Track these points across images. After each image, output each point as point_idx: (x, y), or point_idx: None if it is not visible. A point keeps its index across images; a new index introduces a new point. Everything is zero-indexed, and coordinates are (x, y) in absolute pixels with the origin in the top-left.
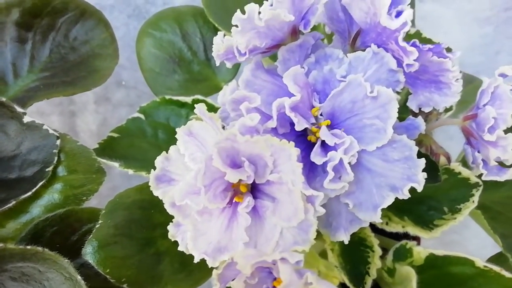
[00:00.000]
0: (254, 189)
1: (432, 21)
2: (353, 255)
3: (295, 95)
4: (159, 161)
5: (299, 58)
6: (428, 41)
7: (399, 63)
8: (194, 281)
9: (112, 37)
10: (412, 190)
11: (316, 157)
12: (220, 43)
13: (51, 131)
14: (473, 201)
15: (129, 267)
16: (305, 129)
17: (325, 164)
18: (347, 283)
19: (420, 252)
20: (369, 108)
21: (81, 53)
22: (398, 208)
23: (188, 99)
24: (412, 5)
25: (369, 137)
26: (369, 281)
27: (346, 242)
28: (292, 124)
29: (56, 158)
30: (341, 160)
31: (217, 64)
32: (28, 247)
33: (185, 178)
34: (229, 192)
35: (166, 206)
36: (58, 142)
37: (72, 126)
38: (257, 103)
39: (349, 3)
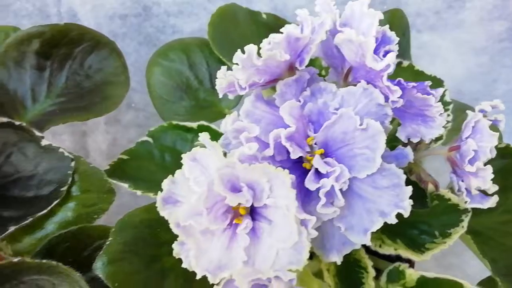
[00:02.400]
0: (253, 212)
1: (429, 50)
2: (348, 276)
3: (290, 126)
4: (165, 184)
5: (295, 92)
6: (420, 73)
7: (387, 98)
8: None
9: (124, 66)
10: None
11: (310, 183)
12: (222, 78)
13: (66, 154)
14: (463, 226)
15: (136, 282)
16: (301, 156)
17: (318, 190)
18: None
19: (412, 274)
20: (359, 139)
21: (95, 80)
22: (391, 231)
23: (193, 125)
24: (407, 36)
25: (359, 165)
26: None
27: (339, 263)
28: (288, 153)
29: (70, 179)
30: (332, 187)
31: (220, 96)
32: (44, 261)
33: (189, 200)
34: (229, 214)
35: (171, 226)
36: (72, 164)
37: (83, 145)
38: (256, 133)
39: (340, 43)
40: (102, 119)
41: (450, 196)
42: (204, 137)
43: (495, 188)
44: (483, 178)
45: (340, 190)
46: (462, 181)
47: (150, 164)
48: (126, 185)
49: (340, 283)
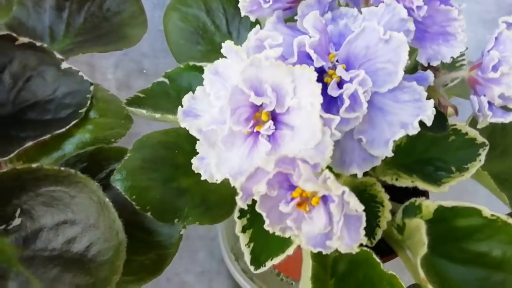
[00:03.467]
0: (275, 121)
1: None
2: (365, 210)
3: (314, 37)
4: (186, 99)
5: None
6: None
7: (409, 13)
8: (213, 217)
9: (142, 10)
10: (420, 151)
11: (333, 90)
12: None
13: (85, 78)
14: (480, 160)
15: (153, 196)
16: (322, 74)
17: (341, 96)
18: None
19: (429, 206)
20: (382, 52)
21: (113, 22)
22: (407, 168)
23: (209, 65)
24: None
25: (381, 80)
26: (379, 233)
27: (360, 176)
28: (311, 63)
29: (89, 102)
30: (356, 91)
31: (242, 14)
32: (62, 168)
33: (210, 112)
34: (251, 120)
35: (193, 132)
36: (91, 88)
37: None
38: (279, 41)
39: None
40: (114, 84)
41: (467, 130)
42: (227, 44)
43: None
44: (507, 84)
45: (365, 102)
46: (484, 95)
47: (166, 102)
48: (144, 111)
49: None
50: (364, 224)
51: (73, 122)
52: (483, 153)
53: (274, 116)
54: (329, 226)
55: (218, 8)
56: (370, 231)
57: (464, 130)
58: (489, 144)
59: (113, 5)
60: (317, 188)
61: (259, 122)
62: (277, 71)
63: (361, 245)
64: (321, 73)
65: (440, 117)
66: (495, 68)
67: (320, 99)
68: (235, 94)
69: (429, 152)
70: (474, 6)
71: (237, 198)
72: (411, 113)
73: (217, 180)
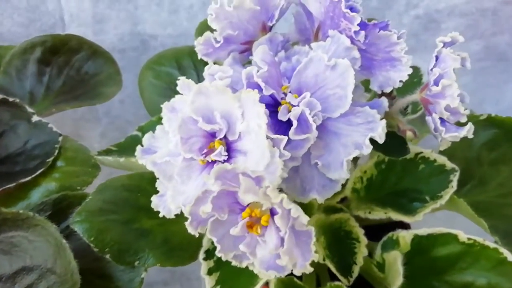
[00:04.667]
0: (229, 149)
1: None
2: (340, 247)
3: (262, 68)
4: (146, 138)
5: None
6: None
7: (353, 42)
8: (176, 259)
9: (118, 71)
10: (393, 183)
11: (282, 115)
12: (200, 38)
13: (54, 129)
14: (452, 186)
15: (113, 238)
16: (276, 105)
17: (290, 120)
18: (335, 272)
19: (405, 237)
20: (330, 79)
21: (90, 83)
22: (381, 201)
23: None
24: None
25: (333, 105)
26: (356, 270)
27: (320, 201)
28: (265, 101)
29: (56, 152)
30: (303, 113)
31: (199, 57)
32: (20, 211)
33: (167, 146)
34: (205, 149)
35: (148, 166)
36: (60, 138)
37: None
38: (229, 73)
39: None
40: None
41: (435, 157)
42: (181, 81)
43: (466, 113)
44: (451, 96)
45: (314, 123)
46: (435, 112)
47: None
48: (110, 158)
49: (332, 256)
50: (313, 239)
51: (39, 171)
52: (454, 179)
53: (228, 145)
54: (281, 246)
55: (189, 65)
56: (346, 268)
57: (432, 157)
58: (467, 173)
59: (91, 68)
60: (257, 198)
61: (213, 151)
62: (223, 96)
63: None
64: (275, 105)
65: (400, 141)
66: (437, 81)
67: (265, 119)
68: (186, 123)
69: (402, 183)
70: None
71: (187, 224)
72: (363, 133)
73: (173, 213)
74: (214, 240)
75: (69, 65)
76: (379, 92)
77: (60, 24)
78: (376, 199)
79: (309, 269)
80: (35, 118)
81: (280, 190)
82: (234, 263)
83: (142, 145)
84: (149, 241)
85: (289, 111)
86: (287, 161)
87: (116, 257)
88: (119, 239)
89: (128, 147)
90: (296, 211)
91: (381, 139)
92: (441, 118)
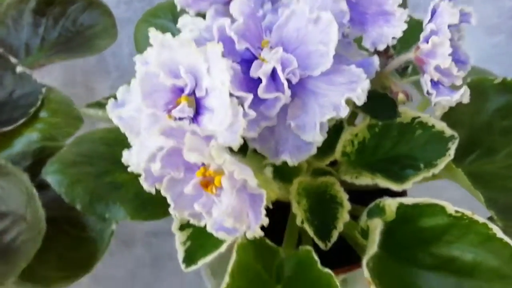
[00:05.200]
0: (198, 106)
1: None
2: (322, 211)
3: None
4: (120, 91)
5: (254, 4)
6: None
7: None
8: (147, 214)
9: (113, 24)
10: (387, 149)
11: (254, 72)
12: None
13: (38, 81)
14: (449, 155)
15: (84, 189)
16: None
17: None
18: (312, 235)
19: (390, 205)
20: (313, 34)
21: (85, 35)
22: (372, 167)
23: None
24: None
25: (314, 63)
26: (335, 235)
27: (290, 164)
28: (242, 56)
29: (39, 102)
30: (275, 70)
31: (178, 8)
32: None
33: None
34: (171, 105)
35: (114, 120)
36: (43, 89)
37: None
38: (201, 26)
39: None
40: None
41: (433, 122)
42: (152, 33)
43: (461, 74)
44: (442, 55)
45: (289, 82)
46: (427, 73)
47: None
48: (92, 111)
49: (313, 219)
50: (264, 202)
51: (22, 121)
52: (453, 147)
53: (197, 102)
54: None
55: None
56: (325, 233)
57: (431, 122)
58: (475, 141)
59: (87, 19)
60: (201, 158)
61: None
62: (187, 50)
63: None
64: (253, 61)
65: (390, 103)
66: (426, 39)
67: (229, 76)
68: (149, 77)
69: (396, 149)
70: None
71: (141, 180)
72: (343, 93)
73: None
74: (168, 198)
75: (65, 16)
76: (372, 50)
77: None
78: (367, 165)
79: (259, 233)
80: (19, 69)
81: (255, 151)
82: (191, 221)
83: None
84: (121, 195)
85: None
86: (260, 120)
87: (86, 208)
88: (90, 191)
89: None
90: (240, 173)
91: (359, 101)
92: (433, 80)
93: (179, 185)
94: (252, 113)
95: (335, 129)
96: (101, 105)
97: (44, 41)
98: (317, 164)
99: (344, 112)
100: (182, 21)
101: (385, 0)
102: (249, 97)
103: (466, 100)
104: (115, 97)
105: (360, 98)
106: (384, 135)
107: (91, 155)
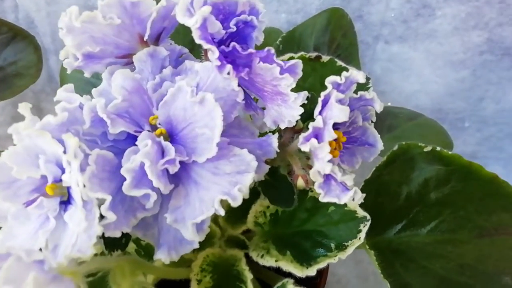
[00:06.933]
0: (69, 196)
1: (400, 63)
2: None
3: (116, 99)
4: None
5: (152, 69)
6: (343, 69)
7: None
8: None
9: (39, 59)
10: (301, 221)
11: (125, 163)
12: (61, 52)
13: None
14: (359, 238)
15: None
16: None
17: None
18: None
19: None
20: (199, 116)
21: (6, 72)
22: (283, 242)
23: None
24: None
25: (200, 148)
26: None
27: (166, 262)
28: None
29: None
30: (142, 164)
31: (69, 72)
32: None
33: None
34: (36, 194)
35: None
36: None
37: None
38: (76, 104)
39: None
40: None
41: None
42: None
43: (351, 177)
44: (321, 159)
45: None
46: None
47: None
48: None
49: None
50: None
51: None
52: (364, 229)
53: (68, 190)
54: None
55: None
56: None
57: None
58: (397, 210)
59: (10, 54)
60: None
61: (45, 195)
62: (43, 140)
63: None
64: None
65: (288, 189)
66: (308, 138)
67: (80, 177)
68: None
69: (309, 222)
70: (437, 47)
71: None
72: (222, 190)
73: None
74: None
75: None
76: (273, 128)
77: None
78: (279, 237)
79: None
80: None
81: (137, 239)
82: None
83: None
84: None
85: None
86: (136, 210)
87: None
88: None
89: None
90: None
91: (234, 202)
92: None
93: None
94: (112, 216)
95: (253, 192)
96: None
97: None
98: (231, 232)
99: (221, 212)
100: (58, 96)
101: (278, 82)
102: (108, 198)
103: (358, 200)
104: None
105: (236, 199)
106: (298, 207)
107: None
